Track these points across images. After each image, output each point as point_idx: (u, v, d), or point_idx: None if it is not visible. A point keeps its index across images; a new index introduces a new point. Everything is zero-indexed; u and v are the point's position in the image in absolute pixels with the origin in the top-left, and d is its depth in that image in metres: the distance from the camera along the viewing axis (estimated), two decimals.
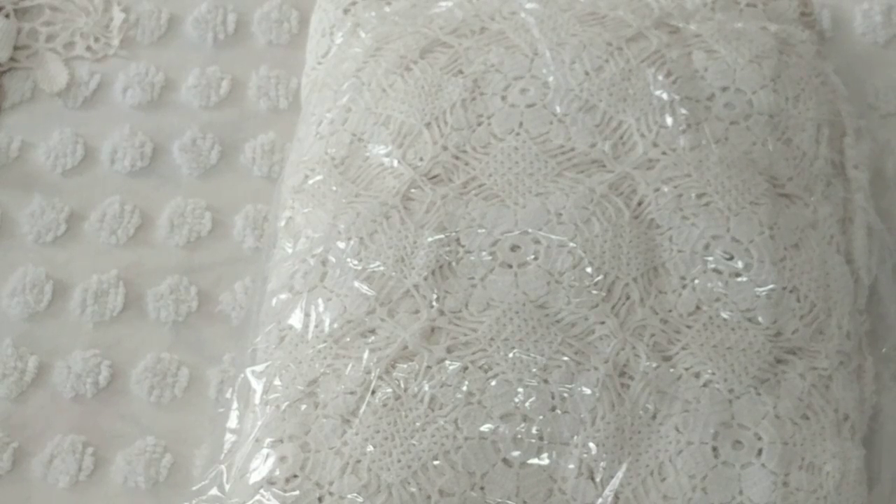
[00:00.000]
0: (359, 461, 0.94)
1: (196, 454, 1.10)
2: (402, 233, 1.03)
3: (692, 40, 1.12)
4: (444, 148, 1.06)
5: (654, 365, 0.97)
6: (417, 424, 0.95)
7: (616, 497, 0.93)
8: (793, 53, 1.13)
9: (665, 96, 1.07)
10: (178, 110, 1.31)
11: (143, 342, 1.17)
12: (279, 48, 1.35)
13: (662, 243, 1.02)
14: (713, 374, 0.96)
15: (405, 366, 0.97)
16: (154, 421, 1.13)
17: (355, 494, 0.93)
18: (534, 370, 0.96)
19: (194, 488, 1.01)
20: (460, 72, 1.11)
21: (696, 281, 1.00)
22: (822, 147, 1.09)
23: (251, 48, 1.35)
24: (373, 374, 0.97)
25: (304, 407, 0.97)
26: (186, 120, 1.30)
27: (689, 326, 0.99)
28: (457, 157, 1.06)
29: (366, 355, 0.98)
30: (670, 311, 0.99)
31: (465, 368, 0.97)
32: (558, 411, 0.95)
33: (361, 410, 0.96)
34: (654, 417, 0.96)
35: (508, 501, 0.93)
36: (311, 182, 1.09)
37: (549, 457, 0.94)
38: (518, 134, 1.06)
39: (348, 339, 0.99)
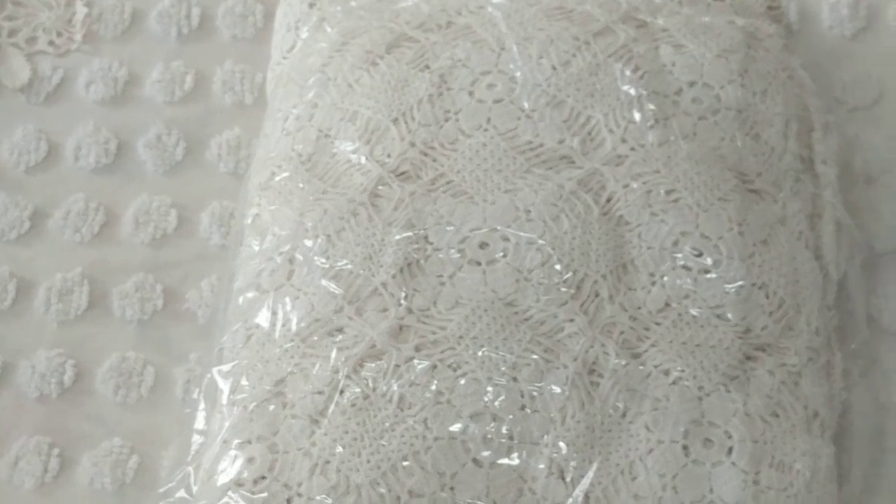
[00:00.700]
0: (328, 462, 0.93)
1: (163, 455, 1.10)
2: (369, 230, 1.02)
3: (659, 34, 1.12)
4: (412, 144, 1.06)
5: (624, 363, 0.97)
6: (387, 424, 0.94)
7: (586, 497, 0.93)
8: (760, 48, 1.13)
9: (633, 91, 1.07)
10: (143, 106, 1.30)
11: (108, 341, 1.16)
12: (244, 42, 1.34)
13: (631, 240, 1.01)
14: (683, 371, 0.96)
15: (373, 365, 0.97)
16: (120, 421, 1.12)
17: (324, 496, 0.92)
18: (503, 369, 0.96)
19: (161, 490, 1.01)
20: (427, 67, 1.10)
21: (665, 278, 1.00)
22: (790, 142, 1.09)
23: (216, 42, 1.34)
24: (341, 374, 0.96)
25: (271, 407, 0.97)
26: (151, 115, 1.29)
27: (658, 323, 0.99)
28: (424, 154, 1.05)
29: (333, 354, 0.97)
30: (639, 308, 0.99)
31: (434, 367, 0.96)
32: (528, 410, 0.95)
33: (330, 410, 0.95)
34: (624, 416, 0.95)
35: (478, 502, 0.93)
36: (277, 179, 1.08)
37: (520, 456, 0.94)
38: (486, 130, 1.06)
39: (316, 338, 0.99)
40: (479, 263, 1.00)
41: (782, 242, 1.03)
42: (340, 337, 0.98)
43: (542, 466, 0.93)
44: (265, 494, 0.93)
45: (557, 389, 0.95)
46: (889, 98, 1.25)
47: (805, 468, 0.95)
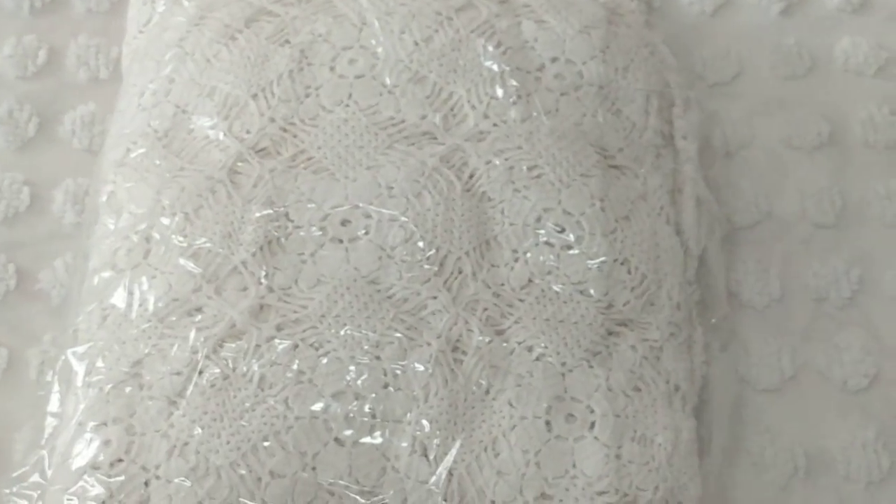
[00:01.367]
0: (186, 444, 0.92)
1: (16, 439, 1.07)
2: (228, 208, 1.01)
3: (522, 10, 1.11)
4: (272, 120, 1.04)
5: (488, 339, 0.96)
6: (247, 405, 0.93)
7: (450, 474, 0.93)
8: (622, 24, 1.13)
9: (495, 67, 1.07)
10: None
11: None
12: (99, 16, 1.30)
13: (494, 216, 1.01)
14: (546, 347, 0.97)
15: (233, 345, 0.95)
16: None
17: (183, 478, 0.91)
18: (366, 347, 0.95)
19: (14, 475, 0.99)
20: (287, 41, 1.09)
21: (528, 254, 1.00)
22: (651, 118, 1.09)
23: (69, 16, 1.31)
24: (200, 354, 0.95)
25: (128, 389, 0.95)
26: (2, 91, 1.25)
27: (521, 300, 0.99)
28: (285, 130, 1.04)
29: (192, 334, 0.96)
30: (503, 284, 0.99)
31: (296, 346, 0.95)
32: (391, 388, 0.94)
33: (188, 391, 0.94)
34: (487, 392, 0.95)
35: (341, 481, 0.92)
36: (133, 155, 1.06)
37: (382, 435, 0.93)
38: (347, 105, 1.05)
39: (174, 318, 0.97)
40: (340, 241, 0.99)
41: (643, 218, 1.04)
42: (199, 317, 0.97)
43: (405, 444, 0.93)
44: (122, 477, 0.92)
45: (421, 367, 0.95)
46: (748, 74, 1.26)
47: (666, 442, 0.96)
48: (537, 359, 0.97)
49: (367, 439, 0.93)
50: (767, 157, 1.21)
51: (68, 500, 0.92)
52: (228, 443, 0.92)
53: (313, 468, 0.92)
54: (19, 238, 1.17)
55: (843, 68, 1.26)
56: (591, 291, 0.99)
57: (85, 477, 0.92)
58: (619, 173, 1.05)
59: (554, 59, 1.08)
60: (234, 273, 0.98)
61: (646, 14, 1.17)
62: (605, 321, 0.99)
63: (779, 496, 1.06)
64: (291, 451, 0.92)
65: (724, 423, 1.06)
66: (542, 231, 1.00)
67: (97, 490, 0.92)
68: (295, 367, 0.94)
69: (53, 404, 1.01)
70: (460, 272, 0.99)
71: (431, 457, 0.93)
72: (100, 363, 0.97)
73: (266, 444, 0.92)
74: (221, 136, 1.04)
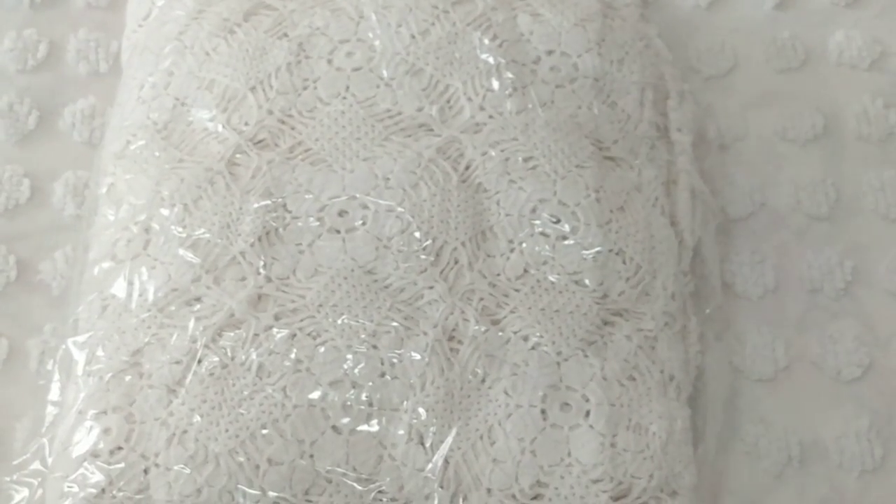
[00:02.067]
0: (185, 431, 0.93)
1: (17, 427, 1.08)
2: (227, 199, 1.01)
3: (518, 3, 1.12)
4: (270, 112, 1.05)
5: (483, 329, 0.97)
6: (245, 393, 0.94)
7: (446, 461, 0.93)
8: (617, 17, 1.14)
9: (491, 60, 1.07)
10: None
11: None
12: (98, 10, 1.31)
13: (490, 207, 1.02)
14: (541, 336, 0.97)
15: (232, 334, 0.96)
16: None
17: (182, 465, 0.92)
18: (363, 336, 0.96)
19: (15, 462, 1.00)
20: (285, 35, 1.09)
21: (524, 244, 1.00)
22: (646, 110, 1.10)
23: (69, 10, 1.31)
24: (199, 343, 0.96)
25: (128, 378, 0.96)
26: (3, 84, 1.26)
27: (517, 290, 0.99)
28: (283, 122, 1.05)
29: (191, 324, 0.96)
30: (498, 274, 1.00)
31: (294, 336, 0.96)
32: (388, 377, 0.95)
33: (188, 380, 0.94)
34: (483, 381, 0.96)
35: (338, 468, 0.93)
36: (133, 148, 1.07)
37: (379, 423, 0.94)
38: (344, 98, 1.06)
39: (173, 308, 0.98)
40: (338, 231, 1.00)
41: (638, 209, 1.04)
42: (198, 306, 0.98)
43: (401, 432, 0.94)
44: (122, 465, 0.92)
45: (417, 356, 0.96)
46: (743, 67, 1.27)
47: (661, 430, 0.97)
48: (533, 348, 0.97)
49: (364, 427, 0.94)
50: (762, 149, 1.21)
51: (68, 487, 0.93)
52: (227, 431, 0.93)
53: (311, 456, 0.93)
54: (20, 230, 1.18)
55: (837, 61, 1.27)
56: (587, 281, 1.00)
57: (85, 465, 0.93)
58: (614, 165, 1.06)
59: (549, 52, 1.09)
60: (232, 263, 0.99)
61: (641, 7, 1.18)
62: (600, 311, 0.99)
63: (772, 485, 1.06)
64: (289, 439, 0.93)
65: (718, 412, 1.06)
66: (538, 222, 1.01)
67: (97, 477, 0.92)
68: (293, 356, 0.95)
69: (54, 393, 1.02)
70: (456, 262, 1.00)
71: (428, 445, 0.94)
72: (100, 352, 0.97)
73: (264, 431, 0.93)
74: (220, 128, 1.05)
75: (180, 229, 1.00)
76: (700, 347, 1.06)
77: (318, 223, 1.00)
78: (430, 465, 0.93)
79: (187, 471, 0.92)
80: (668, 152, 1.11)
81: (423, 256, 0.99)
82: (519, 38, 1.09)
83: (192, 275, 0.99)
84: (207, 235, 1.00)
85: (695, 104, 1.17)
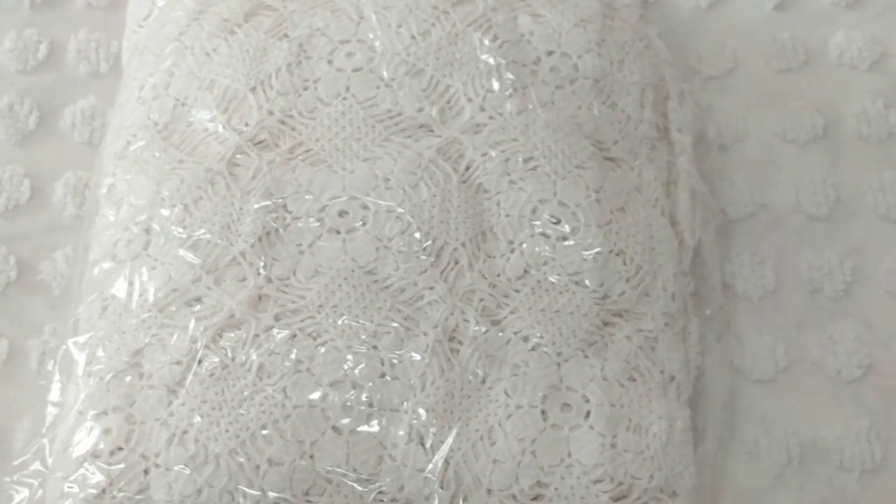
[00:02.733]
0: (185, 432, 0.93)
1: (17, 428, 1.07)
2: (227, 199, 1.01)
3: (518, 4, 1.12)
4: (270, 113, 1.05)
5: (484, 329, 0.97)
6: (245, 394, 0.94)
7: (446, 462, 0.93)
8: (617, 17, 1.14)
9: (491, 60, 1.07)
10: None
11: None
12: (99, 10, 1.31)
13: (490, 208, 1.02)
14: (541, 337, 0.97)
15: (232, 334, 0.96)
16: None
17: (182, 466, 0.92)
18: (363, 337, 0.96)
19: (16, 463, 1.00)
20: (285, 35, 1.09)
21: (524, 245, 1.01)
22: (646, 111, 1.10)
23: (70, 10, 1.31)
24: (199, 344, 0.96)
25: (128, 378, 0.96)
26: (3, 84, 1.26)
27: (517, 290, 0.99)
28: (283, 122, 1.05)
29: (192, 324, 0.96)
30: (499, 275, 1.00)
31: (294, 336, 0.96)
32: (388, 378, 0.95)
33: (188, 380, 0.94)
34: (483, 382, 0.96)
35: (338, 469, 0.93)
36: (133, 148, 1.07)
37: (379, 423, 0.94)
38: (345, 98, 1.06)
39: (174, 309, 0.98)
40: (338, 232, 1.00)
41: (639, 210, 1.05)
42: (199, 307, 0.98)
43: (401, 433, 0.94)
44: (122, 465, 0.92)
45: (417, 357, 0.96)
46: (743, 68, 1.27)
47: (661, 431, 0.97)
48: (533, 349, 0.97)
49: (364, 428, 0.94)
50: (762, 150, 1.21)
51: (69, 487, 0.93)
52: (227, 431, 0.93)
53: (311, 456, 0.93)
54: (20, 230, 1.18)
55: (837, 62, 1.27)
56: (587, 282, 1.00)
57: (85, 465, 0.93)
58: (614, 165, 1.06)
59: (550, 53, 1.09)
60: (233, 264, 0.99)
61: (641, 8, 1.18)
62: (600, 311, 0.99)
63: (773, 485, 1.06)
64: (289, 440, 0.93)
65: (718, 412, 1.06)
66: (538, 222, 1.01)
67: (97, 478, 0.92)
68: (293, 356, 0.95)
69: (54, 394, 1.02)
70: (456, 263, 1.00)
71: (428, 445, 0.94)
72: (100, 353, 0.97)
73: (264, 432, 0.93)
74: (220, 128, 1.05)
75: (181, 230, 1.00)
76: (700, 348, 1.06)
77: (318, 224, 1.00)
78: (430, 466, 0.93)
79: (187, 471, 0.92)
80: (668, 153, 1.11)
81: (423, 257, 0.99)
82: (519, 39, 1.10)
83: (193, 275, 0.99)
84: (208, 236, 1.00)
85: (695, 105, 1.17)
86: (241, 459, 0.92)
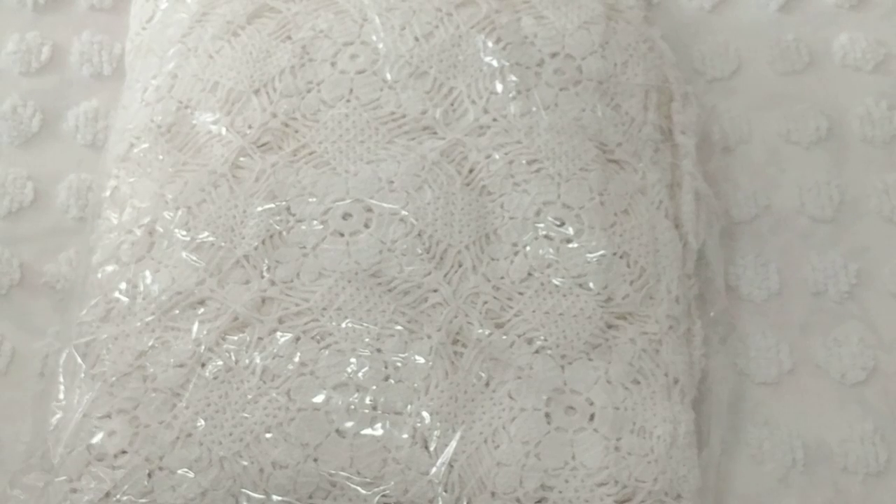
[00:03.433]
0: (190, 435, 0.93)
1: (21, 431, 1.07)
2: (231, 202, 1.01)
3: (521, 6, 1.12)
4: (274, 115, 1.05)
5: (488, 332, 0.97)
6: (249, 397, 0.94)
7: (450, 465, 0.93)
8: (621, 19, 1.14)
9: (495, 63, 1.07)
10: None
11: None
12: (102, 13, 1.31)
13: (494, 210, 1.02)
14: (545, 340, 0.97)
15: (236, 337, 0.96)
16: None
17: (186, 469, 0.92)
18: (367, 340, 0.96)
19: (20, 466, 0.99)
20: (289, 37, 1.09)
21: (528, 247, 1.01)
22: (650, 113, 1.10)
23: (73, 13, 1.31)
24: (203, 347, 0.96)
25: (132, 381, 0.96)
26: (6, 87, 1.26)
27: (521, 293, 0.99)
28: (286, 125, 1.05)
29: (195, 327, 0.97)
30: (502, 277, 1.00)
31: (298, 339, 0.96)
32: (392, 381, 0.95)
33: (192, 383, 0.95)
34: (487, 385, 0.96)
35: (342, 472, 0.93)
36: (136, 150, 1.07)
37: (383, 426, 0.94)
38: (348, 101, 1.06)
39: (177, 312, 0.98)
40: (342, 234, 1.00)
41: (642, 212, 1.04)
42: (202, 310, 0.98)
43: (405, 436, 0.94)
44: (126, 468, 0.92)
45: (421, 360, 0.96)
46: (747, 69, 1.26)
47: (665, 434, 0.97)
48: (537, 351, 0.97)
49: (368, 431, 0.94)
50: (766, 151, 1.21)
51: (73, 490, 0.93)
52: (231, 434, 0.93)
53: (315, 459, 0.93)
54: (23, 233, 1.17)
55: (841, 64, 1.27)
56: (591, 285, 1.00)
57: (90, 468, 0.93)
58: (618, 167, 1.06)
59: (553, 55, 1.09)
60: (236, 266, 0.99)
61: (645, 10, 1.18)
62: (604, 314, 0.99)
63: (777, 488, 1.06)
64: (293, 443, 0.93)
65: (722, 415, 1.06)
66: (542, 225, 1.01)
67: (102, 481, 0.92)
68: (297, 359, 0.95)
69: (58, 396, 1.01)
70: (460, 265, 1.00)
71: (432, 448, 0.94)
72: (104, 355, 0.97)
73: (268, 435, 0.93)
74: (224, 131, 1.05)
75: (184, 232, 1.01)
76: (704, 350, 1.06)
77: (321, 226, 1.00)
78: (434, 469, 0.93)
79: (191, 474, 0.92)
80: (672, 155, 1.11)
81: (427, 260, 0.99)
82: (523, 41, 1.09)
83: (196, 278, 0.99)
84: (211, 238, 1.00)
85: (699, 107, 1.17)
86: (245, 462, 0.92)
